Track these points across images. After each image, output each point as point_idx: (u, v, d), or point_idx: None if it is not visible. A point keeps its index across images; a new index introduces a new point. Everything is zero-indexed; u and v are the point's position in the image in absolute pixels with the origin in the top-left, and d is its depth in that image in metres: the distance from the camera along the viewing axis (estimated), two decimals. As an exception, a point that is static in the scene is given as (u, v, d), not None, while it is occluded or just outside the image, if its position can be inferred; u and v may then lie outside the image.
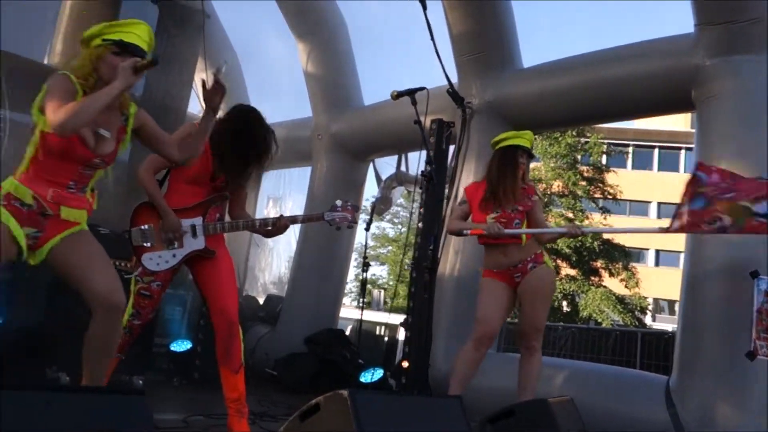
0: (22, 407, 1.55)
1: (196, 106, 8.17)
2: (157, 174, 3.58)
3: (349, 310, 13.01)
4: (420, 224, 5.14)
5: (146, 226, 3.47)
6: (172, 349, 5.91)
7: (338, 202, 3.74)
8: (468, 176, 5.57)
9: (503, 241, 4.03)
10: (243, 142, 3.50)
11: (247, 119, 3.57)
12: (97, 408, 1.55)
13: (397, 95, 3.75)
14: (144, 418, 1.63)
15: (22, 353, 4.92)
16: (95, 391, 1.69)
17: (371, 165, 7.84)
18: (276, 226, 3.60)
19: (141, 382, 5.06)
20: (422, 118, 3.84)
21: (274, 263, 11.47)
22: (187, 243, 3.48)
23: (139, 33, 2.74)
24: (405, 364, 4.95)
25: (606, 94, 5.36)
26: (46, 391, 1.56)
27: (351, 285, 21.14)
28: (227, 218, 3.71)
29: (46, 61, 6.87)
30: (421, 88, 3.78)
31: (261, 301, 8.45)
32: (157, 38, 7.45)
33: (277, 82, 9.16)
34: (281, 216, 3.65)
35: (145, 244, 3.45)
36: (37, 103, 2.67)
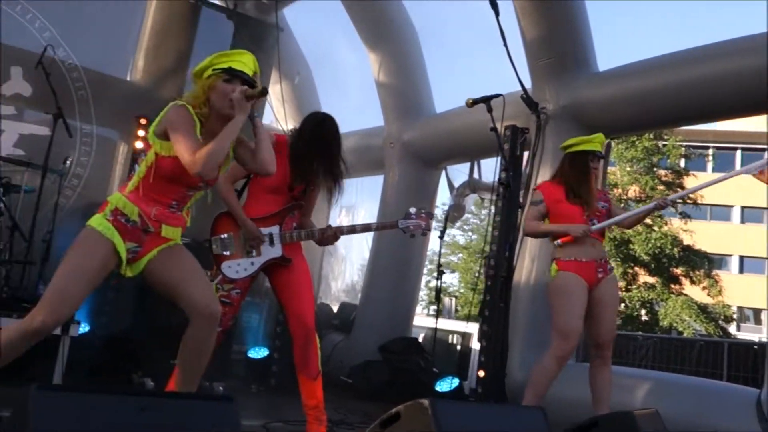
0: (117, 412, 1.60)
1: (269, 117, 8.36)
2: (235, 184, 3.67)
3: (420, 318, 12.99)
4: (495, 232, 5.08)
5: (226, 235, 3.56)
6: (249, 356, 6.04)
7: (412, 210, 3.74)
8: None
9: (590, 235, 3.97)
10: (316, 148, 3.55)
11: (323, 131, 3.60)
12: (189, 413, 1.59)
13: (473, 103, 3.71)
14: (233, 423, 1.66)
15: (109, 359, 5.13)
16: (187, 397, 1.75)
17: (443, 172, 7.81)
18: (326, 236, 3.63)
19: (221, 388, 5.18)
20: (497, 125, 3.80)
21: (346, 271, 11.58)
22: (265, 251, 3.55)
23: (245, 61, 2.84)
24: (481, 373, 4.89)
25: (686, 96, 5.18)
26: (139, 396, 1.60)
27: (422, 293, 21.07)
28: None
29: (128, 78, 7.16)
30: (497, 95, 3.74)
31: (335, 309, 8.54)
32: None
33: (348, 92, 9.27)
34: (328, 226, 3.68)
35: (224, 253, 3.54)
36: (153, 128, 2.80)
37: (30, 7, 6.38)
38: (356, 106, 8.47)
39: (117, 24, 7.00)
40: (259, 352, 6.06)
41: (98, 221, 2.71)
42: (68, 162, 5.72)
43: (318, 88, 8.81)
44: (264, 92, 2.74)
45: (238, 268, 3.53)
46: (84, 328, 4.90)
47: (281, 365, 5.91)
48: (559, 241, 3.98)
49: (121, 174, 6.73)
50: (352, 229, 3.73)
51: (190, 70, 7.26)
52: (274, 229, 3.57)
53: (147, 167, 2.78)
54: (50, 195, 5.25)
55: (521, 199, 4.80)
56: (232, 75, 2.78)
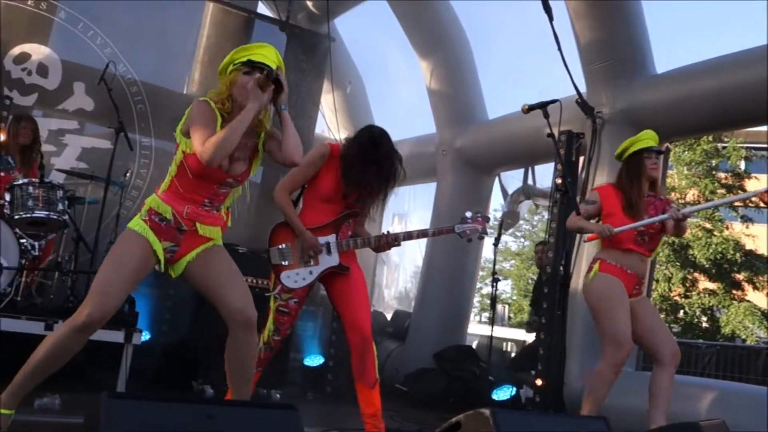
0: (184, 420, 1.63)
1: (322, 126, 8.45)
2: (292, 194, 3.71)
3: (472, 326, 12.89)
4: (551, 239, 5.01)
5: (283, 245, 3.60)
6: (305, 363, 6.09)
7: (468, 214, 3.73)
8: (600, 188, 5.40)
9: (639, 249, 3.86)
10: (370, 162, 3.55)
11: (375, 140, 3.61)
12: (254, 421, 1.61)
13: (529, 109, 3.67)
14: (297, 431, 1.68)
15: (169, 367, 5.23)
16: (252, 405, 1.77)
17: (496, 179, 7.76)
18: (382, 243, 3.65)
19: (278, 395, 5.23)
20: (554, 131, 3.76)
21: (399, 278, 11.59)
22: (322, 260, 3.59)
23: (265, 53, 2.84)
24: (539, 381, 4.82)
25: (747, 97, 5.00)
26: (206, 404, 1.63)
27: (474, 300, 20.91)
28: None
29: (185, 91, 7.32)
30: (554, 101, 3.69)
31: (388, 316, 8.54)
32: (285, 63, 7.78)
33: (399, 100, 9.31)
34: (386, 233, 3.69)
35: (283, 263, 3.59)
36: (180, 126, 2.85)
37: (91, 25, 6.59)
38: (408, 114, 8.51)
39: (173, 39, 7.16)
40: (314, 360, 6.11)
41: (135, 222, 2.81)
42: (128, 174, 5.88)
43: (369, 97, 8.87)
44: (270, 75, 2.71)
45: (296, 277, 3.57)
46: (145, 336, 5.01)
47: (336, 373, 5.94)
48: (585, 239, 3.89)
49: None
50: (409, 236, 3.73)
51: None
52: (331, 238, 3.60)
53: (177, 166, 2.83)
54: (112, 206, 5.40)
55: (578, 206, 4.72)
56: (252, 67, 2.79)
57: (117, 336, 4.41)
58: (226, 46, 7.30)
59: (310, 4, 8.03)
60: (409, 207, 9.84)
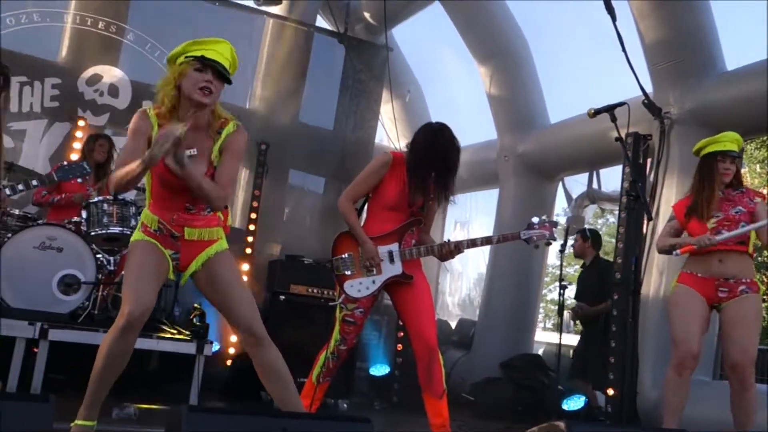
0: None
1: (381, 136, 8.47)
2: (356, 203, 3.73)
3: (538, 333, 12.66)
4: (619, 244, 4.88)
5: (346, 255, 3.62)
6: (371, 373, 6.10)
7: (535, 219, 3.66)
8: (670, 190, 5.23)
9: (724, 246, 3.71)
10: (431, 160, 3.55)
11: (436, 130, 3.62)
12: (329, 435, 1.62)
13: (595, 113, 3.59)
14: (370, 445, 1.67)
15: (237, 378, 5.32)
16: (326, 418, 1.78)
17: (560, 184, 7.63)
18: (446, 251, 3.60)
19: (345, 405, 5.25)
20: (621, 134, 3.66)
21: (463, 286, 11.50)
22: (386, 269, 3.58)
23: (220, 50, 2.82)
24: (611, 391, 4.70)
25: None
26: (282, 417, 1.65)
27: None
28: None
29: (247, 106, 7.46)
30: (621, 104, 3.60)
31: (453, 325, 8.49)
32: (344, 74, 7.81)
33: (459, 107, 9.25)
34: (448, 240, 3.65)
35: (346, 272, 3.60)
36: None
37: (158, 45, 6.78)
38: (468, 121, 8.41)
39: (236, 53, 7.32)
40: (380, 370, 6.11)
41: (136, 235, 2.90)
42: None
43: (429, 105, 8.85)
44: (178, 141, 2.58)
45: (360, 287, 3.57)
46: (215, 347, 5.11)
47: (403, 382, 5.94)
48: (678, 251, 3.76)
49: (244, 199, 7.01)
50: (473, 243, 3.69)
51: (305, 95, 7.51)
52: (394, 247, 3.60)
53: (150, 177, 2.88)
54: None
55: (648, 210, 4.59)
56: (204, 64, 2.78)
57: (189, 348, 4.53)
58: (286, 60, 7.45)
59: (367, 15, 8.09)
60: (471, 214, 9.76)
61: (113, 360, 2.74)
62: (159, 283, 2.89)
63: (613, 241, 5.16)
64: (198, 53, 2.80)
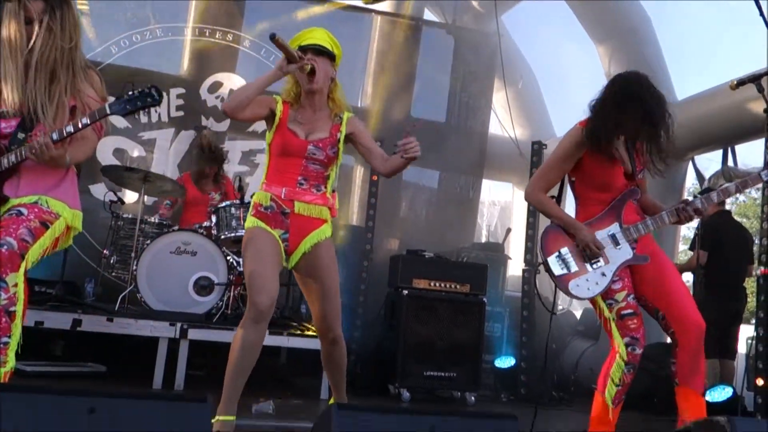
0: (410, 430, 1.64)
1: (496, 127, 8.33)
2: (549, 191, 3.26)
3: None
4: (764, 224, 4.54)
5: (564, 250, 3.13)
6: (496, 365, 6.01)
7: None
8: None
9: None
10: (630, 115, 3.07)
11: (630, 88, 3.16)
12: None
13: (738, 84, 3.29)
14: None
15: (365, 372, 5.39)
16: (474, 416, 1.74)
17: (689, 163, 7.21)
18: (682, 216, 3.10)
19: (473, 398, 5.20)
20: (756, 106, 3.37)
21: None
22: (612, 256, 3.07)
23: (314, 36, 3.07)
24: (760, 381, 4.39)
25: None
26: (428, 414, 1.62)
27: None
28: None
29: (359, 104, 7.54)
30: (767, 73, 3.28)
31: (578, 315, 8.22)
32: (454, 66, 7.66)
33: (574, 90, 8.94)
34: (686, 200, 3.13)
35: (567, 271, 3.10)
36: None
37: (273, 50, 6.95)
38: (584, 103, 8.12)
39: (346, 54, 7.38)
40: (505, 362, 6.01)
41: (248, 221, 3.03)
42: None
43: (543, 91, 8.62)
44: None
45: (587, 284, 3.06)
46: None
47: (529, 374, 5.81)
48: None
49: (360, 196, 7.08)
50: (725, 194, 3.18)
51: (415, 89, 7.50)
52: (614, 227, 3.10)
53: (267, 154, 3.06)
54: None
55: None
56: (304, 51, 2.97)
57: (318, 344, 4.61)
58: (395, 55, 7.46)
59: (475, 3, 7.97)
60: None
61: (247, 352, 2.85)
62: (279, 267, 3.00)
63: (744, 220, 4.81)
64: (296, 46, 3.02)
